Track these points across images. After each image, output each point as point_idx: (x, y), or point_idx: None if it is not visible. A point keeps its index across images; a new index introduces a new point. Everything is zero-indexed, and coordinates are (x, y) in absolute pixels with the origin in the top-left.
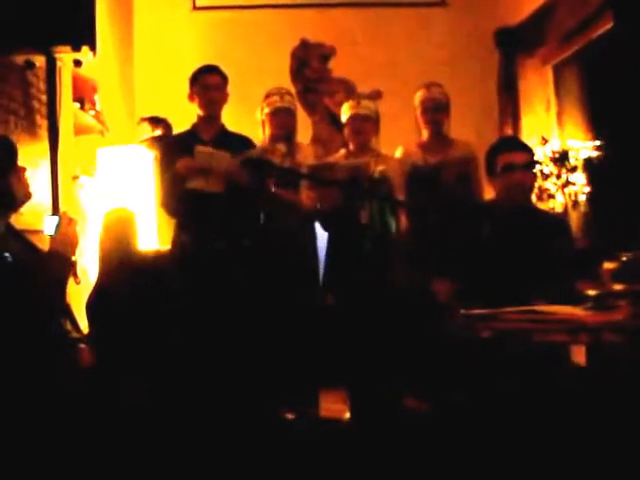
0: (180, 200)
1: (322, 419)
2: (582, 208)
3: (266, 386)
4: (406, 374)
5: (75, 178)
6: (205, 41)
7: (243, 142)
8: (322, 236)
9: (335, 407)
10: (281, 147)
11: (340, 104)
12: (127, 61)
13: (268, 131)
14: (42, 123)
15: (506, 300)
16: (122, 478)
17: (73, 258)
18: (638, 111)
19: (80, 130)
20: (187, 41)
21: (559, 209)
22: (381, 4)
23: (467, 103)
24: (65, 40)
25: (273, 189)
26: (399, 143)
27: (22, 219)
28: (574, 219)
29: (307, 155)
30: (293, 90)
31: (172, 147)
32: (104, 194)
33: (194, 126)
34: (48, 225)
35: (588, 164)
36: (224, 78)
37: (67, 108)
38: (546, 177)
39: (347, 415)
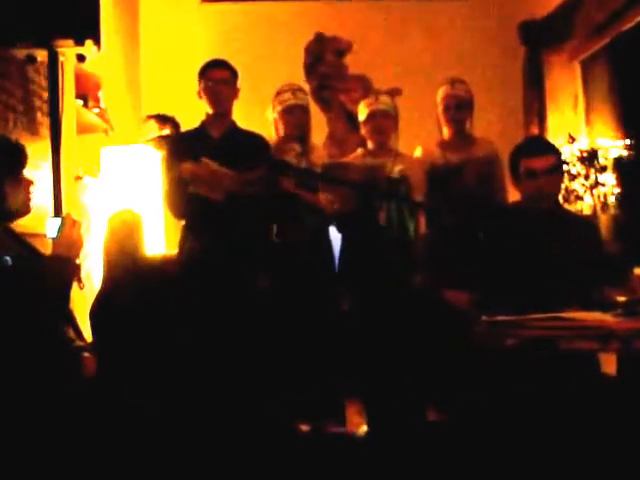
0: (186, 202)
1: (336, 433)
2: (612, 210)
3: (282, 396)
4: (427, 384)
5: (78, 179)
6: (214, 35)
7: (255, 140)
8: (336, 239)
9: (351, 420)
10: (296, 146)
11: (357, 102)
12: (133, 56)
13: (281, 130)
14: (43, 121)
15: (531, 306)
16: None
17: (77, 262)
18: None
19: (83, 129)
20: (195, 35)
21: (587, 211)
22: None
23: (490, 101)
24: (68, 34)
25: (295, 190)
26: (418, 143)
27: (22, 222)
28: (603, 222)
29: (321, 155)
30: (307, 87)
31: (179, 145)
32: (108, 196)
33: (203, 123)
34: (50, 227)
35: (618, 164)
36: (233, 72)
37: (70, 105)
38: (573, 178)
39: (364, 429)
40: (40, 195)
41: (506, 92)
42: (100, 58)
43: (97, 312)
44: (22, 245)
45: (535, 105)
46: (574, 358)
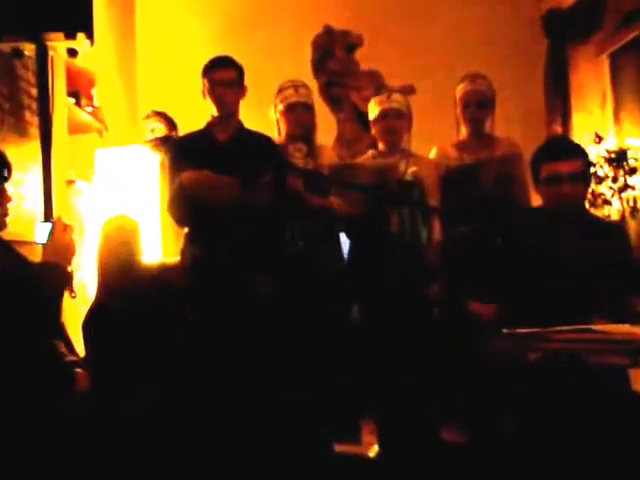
0: (189, 210)
1: (345, 454)
2: None
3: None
4: (442, 402)
5: (70, 183)
6: (215, 29)
7: (264, 142)
8: (344, 244)
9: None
10: (302, 147)
11: (368, 100)
12: (128, 51)
13: (284, 130)
14: (32, 120)
15: (556, 318)
16: None
17: (68, 269)
18: None
19: (75, 129)
20: (195, 30)
21: (615, 217)
22: None
23: (510, 98)
24: (58, 26)
25: (304, 193)
26: (433, 143)
27: (10, 229)
28: (633, 228)
29: (329, 157)
30: (315, 84)
31: (185, 149)
32: (103, 200)
33: (209, 125)
34: (40, 233)
35: None
36: (239, 71)
37: (61, 103)
38: (601, 180)
39: (374, 449)
40: (30, 201)
41: (527, 89)
42: (93, 53)
43: (90, 323)
44: (10, 253)
45: (559, 102)
46: (602, 374)
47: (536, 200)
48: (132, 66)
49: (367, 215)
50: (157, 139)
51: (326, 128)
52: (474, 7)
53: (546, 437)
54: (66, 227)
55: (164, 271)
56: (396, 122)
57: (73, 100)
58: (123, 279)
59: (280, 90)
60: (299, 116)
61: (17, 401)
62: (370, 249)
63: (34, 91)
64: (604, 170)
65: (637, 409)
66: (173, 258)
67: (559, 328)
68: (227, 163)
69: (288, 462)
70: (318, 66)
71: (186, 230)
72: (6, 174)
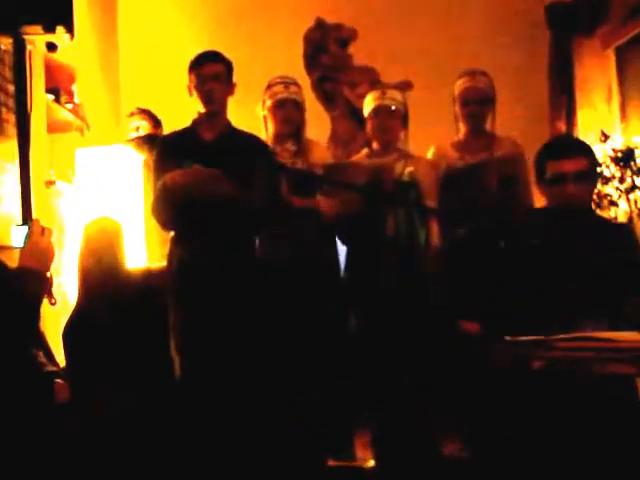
0: (175, 213)
1: (339, 467)
2: None
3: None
4: (443, 414)
5: (50, 184)
6: (202, 24)
7: (252, 142)
8: (340, 250)
9: (357, 453)
10: (290, 145)
11: (363, 97)
12: (111, 45)
13: (271, 128)
14: (9, 118)
15: (560, 325)
16: None
17: (47, 274)
18: None
19: (55, 127)
20: (181, 23)
21: (622, 219)
22: None
23: (511, 94)
24: (36, 19)
25: (288, 196)
26: (431, 142)
27: None
28: None
29: (323, 155)
30: (308, 80)
31: (169, 148)
32: (84, 202)
33: (194, 123)
34: (17, 236)
35: None
36: (228, 66)
37: (39, 100)
38: (607, 181)
39: (370, 463)
40: (7, 203)
41: (529, 84)
42: (73, 47)
43: (71, 332)
44: None
45: (563, 98)
46: (608, 384)
47: (539, 201)
48: (114, 61)
49: (362, 217)
50: (141, 137)
51: (319, 126)
52: (475, 1)
53: (550, 448)
54: (45, 230)
55: (149, 277)
56: (389, 120)
57: (52, 97)
58: (105, 285)
59: (269, 86)
60: (288, 113)
61: None
62: (365, 253)
63: (11, 87)
64: (610, 170)
65: None
66: (158, 263)
67: (562, 336)
68: (213, 163)
69: (282, 474)
70: (311, 61)
71: (172, 234)
72: None
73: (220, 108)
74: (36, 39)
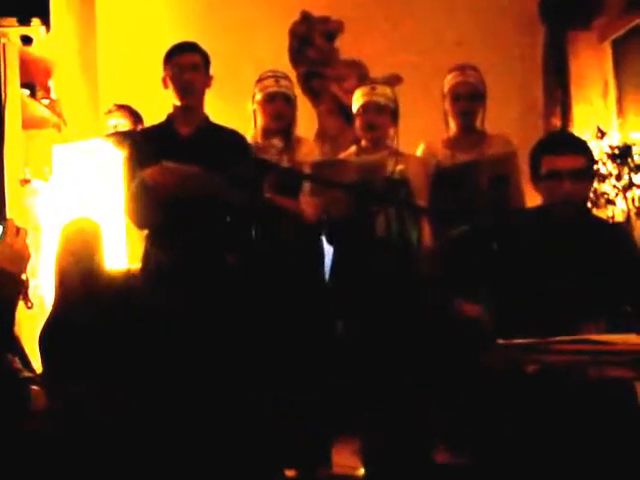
0: (150, 211)
1: (329, 476)
2: None
3: (263, 437)
4: (436, 420)
5: (25, 182)
6: (183, 16)
7: (231, 137)
8: (327, 252)
9: (344, 462)
10: (277, 142)
11: (350, 92)
12: (89, 38)
13: (260, 122)
14: None
15: (555, 327)
16: None
17: (23, 277)
18: None
19: (31, 123)
20: (161, 16)
21: (620, 218)
22: None
23: (505, 89)
24: (10, 11)
25: (268, 195)
26: (421, 139)
27: None
28: (638, 230)
29: (310, 153)
30: (293, 74)
31: (143, 144)
32: (62, 202)
33: (169, 117)
34: None
35: None
36: (205, 57)
37: (14, 95)
38: (603, 178)
39: (360, 472)
40: None
41: (523, 79)
42: (50, 41)
43: (48, 336)
44: None
45: (558, 93)
46: (605, 388)
47: (533, 200)
48: (93, 55)
49: (351, 217)
50: (119, 133)
51: (306, 123)
52: None
53: (547, 453)
54: (19, 230)
55: (130, 278)
56: (377, 117)
57: (28, 92)
58: (84, 287)
59: (260, 79)
60: (278, 107)
61: None
62: (355, 254)
63: None
64: (607, 167)
65: None
66: (140, 264)
67: (557, 339)
68: (190, 159)
69: None
70: (296, 55)
71: (146, 233)
72: None
73: (197, 100)
74: (10, 32)
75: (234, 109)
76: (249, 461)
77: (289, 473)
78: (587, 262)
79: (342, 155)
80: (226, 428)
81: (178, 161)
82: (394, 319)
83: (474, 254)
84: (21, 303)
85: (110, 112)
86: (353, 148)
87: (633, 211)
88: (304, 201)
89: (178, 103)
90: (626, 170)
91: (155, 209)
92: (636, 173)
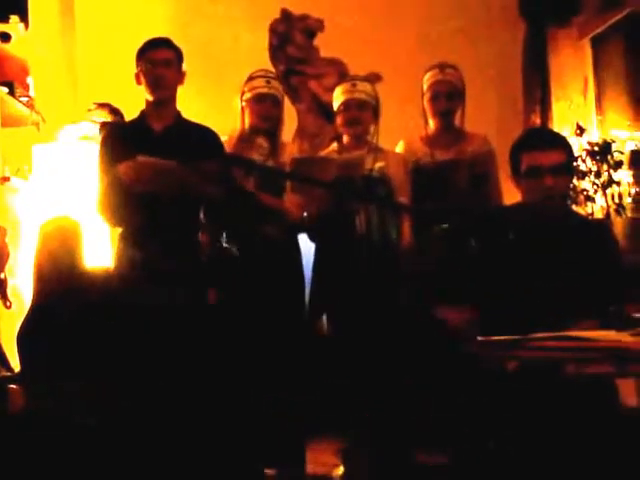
0: (123, 208)
1: (309, 476)
2: (628, 213)
3: (241, 435)
4: (416, 419)
5: (4, 180)
6: (163, 13)
7: (204, 134)
8: (309, 250)
9: (324, 460)
10: (262, 142)
11: (330, 89)
12: (68, 36)
13: (248, 121)
14: None
15: (535, 324)
16: None
17: (1, 276)
18: None
19: (10, 121)
20: (141, 12)
21: (599, 215)
22: None
23: (484, 87)
24: None
25: (253, 190)
26: (399, 136)
27: None
28: (618, 226)
29: (291, 154)
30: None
31: (116, 139)
32: (41, 200)
33: (142, 113)
34: None
35: (635, 159)
36: (177, 53)
37: None
38: (583, 175)
39: (339, 471)
40: None
41: (503, 76)
42: (28, 38)
43: (26, 335)
44: None
45: (537, 91)
46: (586, 385)
47: (510, 198)
48: (71, 52)
49: (331, 215)
50: (101, 124)
51: (286, 120)
52: None
53: (530, 451)
54: None
55: (110, 277)
56: (359, 113)
57: (6, 90)
58: (62, 286)
59: (250, 78)
60: (267, 109)
61: None
62: (335, 252)
63: None
64: (587, 164)
65: (624, 423)
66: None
67: (537, 335)
68: (162, 154)
69: None
70: (276, 53)
71: (121, 231)
72: None
73: (170, 95)
74: None
75: (215, 105)
76: (230, 459)
77: (269, 472)
78: (571, 260)
79: (323, 152)
80: (207, 426)
81: (151, 156)
82: (374, 317)
83: (452, 252)
84: (0, 302)
85: (90, 111)
86: (334, 145)
87: (613, 208)
88: (288, 199)
89: (150, 98)
90: (605, 167)
91: (129, 206)
92: (615, 170)
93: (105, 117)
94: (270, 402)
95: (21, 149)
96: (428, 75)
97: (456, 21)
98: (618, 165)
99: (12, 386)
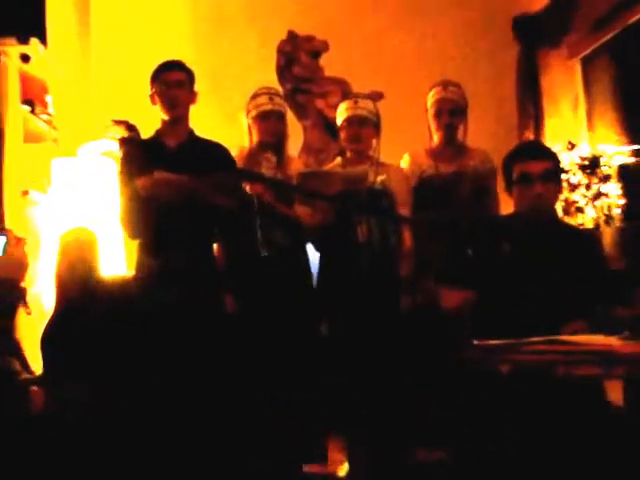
0: (143, 221)
1: (315, 473)
2: (616, 223)
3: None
4: (416, 418)
5: (25, 193)
6: (176, 35)
7: (216, 150)
8: (314, 257)
9: (330, 458)
10: (270, 156)
11: (335, 107)
12: (85, 56)
13: (255, 138)
14: None
15: (527, 329)
16: None
17: (22, 284)
18: None
19: (30, 137)
20: (156, 33)
21: (589, 225)
22: None
23: (480, 104)
24: (10, 30)
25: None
26: (401, 152)
27: None
28: (607, 236)
29: (297, 168)
30: (280, 91)
31: (134, 156)
32: (60, 212)
33: (158, 132)
34: None
35: (623, 172)
36: (189, 75)
37: (14, 111)
38: (574, 188)
39: (345, 468)
40: None
41: (498, 94)
42: (47, 58)
43: (49, 340)
44: None
45: (530, 108)
46: (575, 386)
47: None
48: (87, 71)
49: (334, 226)
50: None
51: (292, 136)
52: (444, 13)
53: (518, 453)
54: (19, 240)
55: (126, 285)
56: (361, 130)
57: (28, 108)
58: (80, 293)
59: (254, 96)
60: (272, 125)
61: None
62: (337, 261)
63: None
64: (577, 177)
65: (611, 421)
66: (134, 272)
67: (530, 339)
68: (177, 170)
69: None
70: (283, 72)
71: (139, 241)
72: None
73: (183, 114)
74: (10, 50)
75: (225, 124)
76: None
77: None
78: (563, 267)
79: (328, 166)
80: (221, 428)
81: (167, 171)
82: (374, 321)
83: (452, 261)
84: (21, 310)
85: (107, 127)
86: (338, 159)
87: (602, 219)
88: (298, 210)
89: (165, 117)
90: (595, 180)
91: (147, 218)
92: (604, 183)
93: (122, 133)
94: (282, 401)
95: (41, 164)
96: (432, 92)
97: (454, 43)
98: (607, 178)
99: (34, 388)
